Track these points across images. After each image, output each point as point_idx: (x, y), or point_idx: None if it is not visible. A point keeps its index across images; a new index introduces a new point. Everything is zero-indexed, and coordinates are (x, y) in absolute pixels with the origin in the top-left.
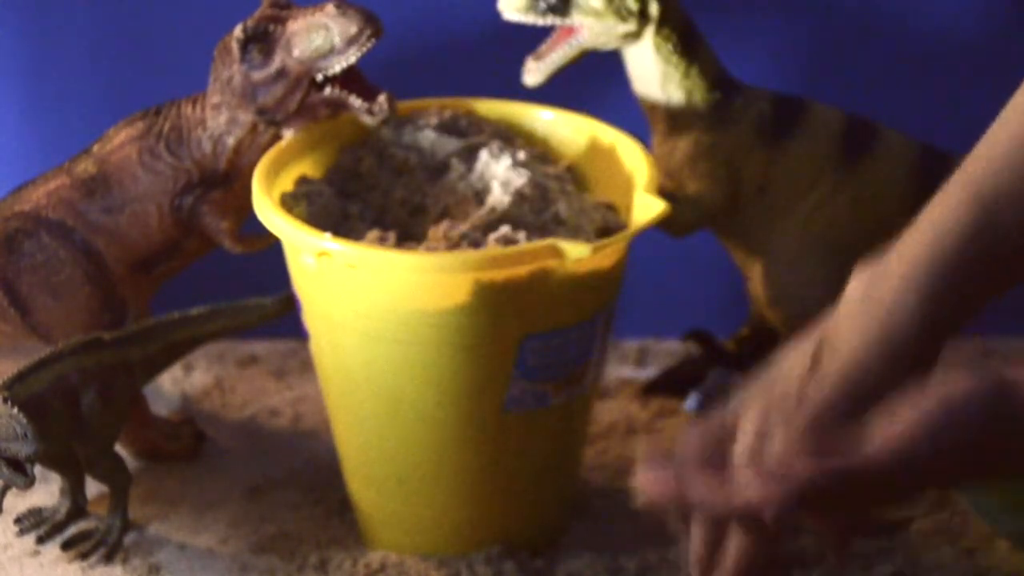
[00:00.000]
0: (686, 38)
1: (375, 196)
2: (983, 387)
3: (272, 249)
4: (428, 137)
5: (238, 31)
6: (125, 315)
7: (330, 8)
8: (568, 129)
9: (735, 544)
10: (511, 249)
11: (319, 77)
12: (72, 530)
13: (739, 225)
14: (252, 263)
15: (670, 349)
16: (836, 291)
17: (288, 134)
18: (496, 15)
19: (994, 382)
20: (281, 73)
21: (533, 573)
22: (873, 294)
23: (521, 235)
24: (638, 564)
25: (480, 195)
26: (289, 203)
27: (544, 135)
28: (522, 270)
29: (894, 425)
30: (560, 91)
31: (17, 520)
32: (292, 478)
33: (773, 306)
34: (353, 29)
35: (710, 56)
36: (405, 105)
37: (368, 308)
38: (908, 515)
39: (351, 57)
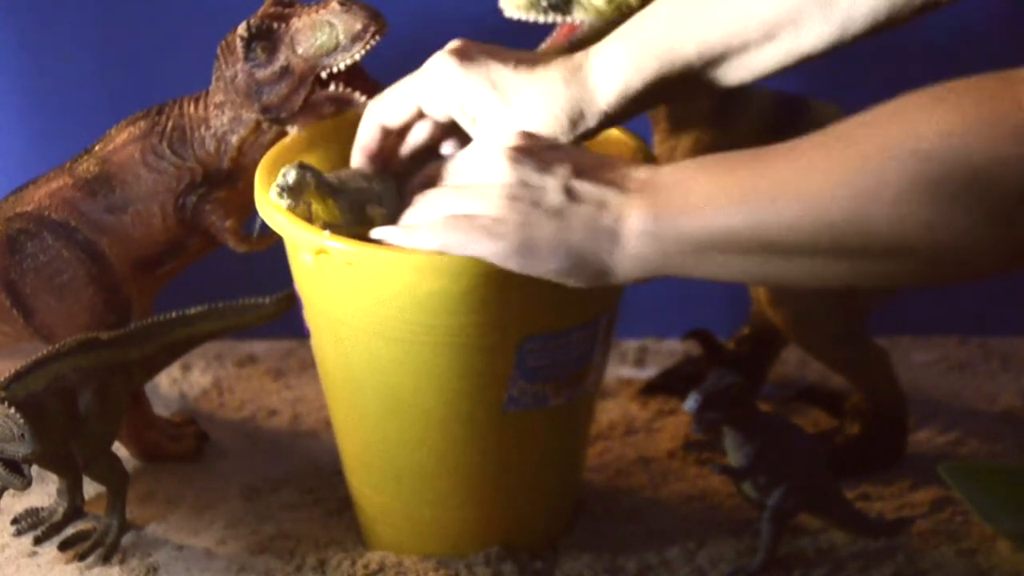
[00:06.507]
0: None
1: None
2: None
3: (272, 249)
4: None
5: (242, 29)
6: (129, 315)
7: (334, 5)
8: None
9: None
10: None
11: (323, 74)
12: (69, 531)
13: None
14: (252, 263)
15: (670, 349)
16: (836, 290)
17: (293, 131)
18: (498, 13)
19: None
20: (285, 71)
21: (532, 574)
22: None
23: None
24: (637, 565)
25: None
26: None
27: None
28: None
29: None
30: None
31: (14, 521)
32: (291, 478)
33: (774, 306)
34: (358, 26)
35: None
36: None
37: (366, 306)
38: (909, 516)
39: (356, 54)
